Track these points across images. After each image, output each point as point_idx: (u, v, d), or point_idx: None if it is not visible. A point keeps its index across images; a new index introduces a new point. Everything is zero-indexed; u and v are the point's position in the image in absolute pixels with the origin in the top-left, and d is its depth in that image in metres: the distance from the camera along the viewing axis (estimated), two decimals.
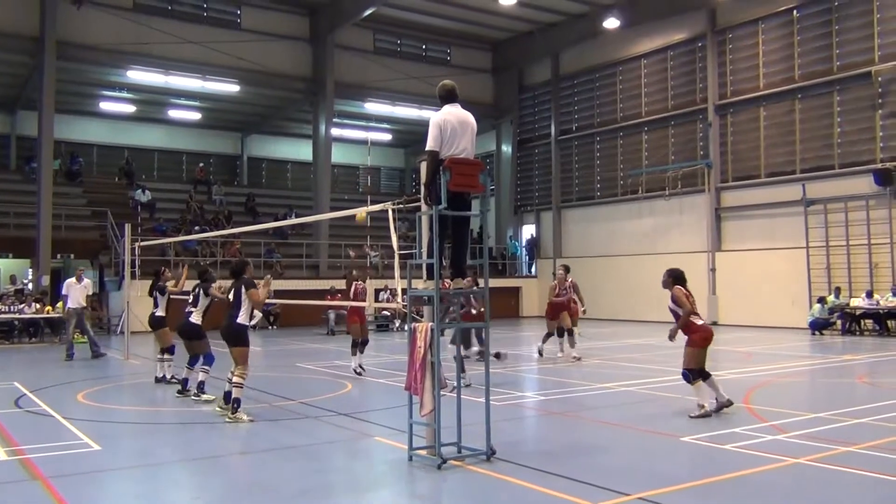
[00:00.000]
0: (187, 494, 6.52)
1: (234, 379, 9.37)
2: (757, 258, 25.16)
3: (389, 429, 8.67)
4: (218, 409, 9.81)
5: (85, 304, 16.86)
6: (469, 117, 7.52)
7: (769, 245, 24.92)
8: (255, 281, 9.75)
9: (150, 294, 13.03)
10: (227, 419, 9.22)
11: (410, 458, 7.18)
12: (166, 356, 12.69)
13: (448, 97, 7.56)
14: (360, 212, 10.96)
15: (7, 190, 27.15)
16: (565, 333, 15.55)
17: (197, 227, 27.28)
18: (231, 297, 9.62)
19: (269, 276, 10.81)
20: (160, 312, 12.83)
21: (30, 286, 24.23)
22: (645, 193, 29.20)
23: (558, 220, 32.84)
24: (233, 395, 9.34)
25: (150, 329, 13.08)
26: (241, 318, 9.51)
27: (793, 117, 24.83)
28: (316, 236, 29.47)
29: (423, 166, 7.32)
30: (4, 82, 27.93)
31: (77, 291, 16.61)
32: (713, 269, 26.50)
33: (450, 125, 7.30)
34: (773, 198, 24.92)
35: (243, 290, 9.51)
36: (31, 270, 25.53)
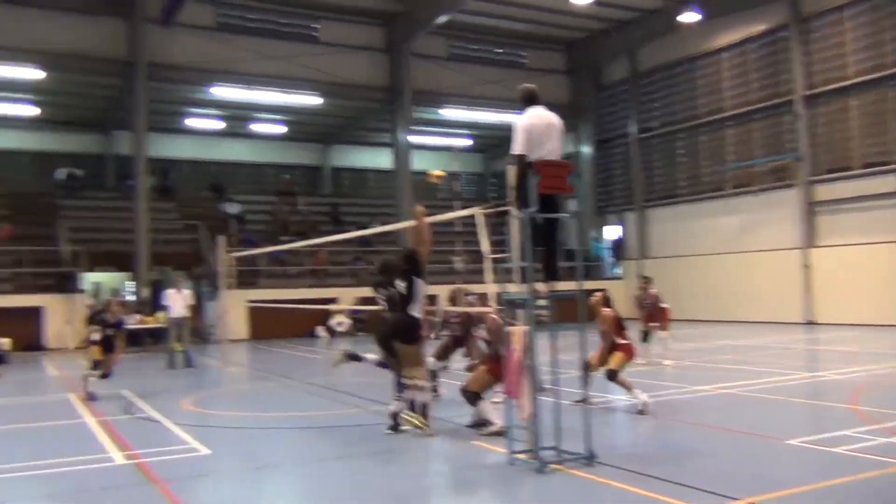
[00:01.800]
0: (293, 497, 6.72)
1: (419, 382, 8.75)
2: (855, 253, 24.13)
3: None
4: (407, 417, 8.83)
5: (186, 315, 17.46)
6: (555, 118, 7.52)
7: (868, 239, 23.86)
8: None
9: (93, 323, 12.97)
10: (419, 425, 8.64)
11: (511, 462, 7.21)
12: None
13: (530, 100, 7.57)
14: (435, 171, 10.55)
15: (106, 207, 28.52)
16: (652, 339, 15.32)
17: (284, 238, 28.00)
18: (404, 289, 8.90)
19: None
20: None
21: (130, 298, 25.31)
22: (732, 190, 28.46)
23: (642, 220, 32.33)
24: (419, 400, 8.75)
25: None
26: (416, 312, 8.84)
27: (886, 105, 23.78)
28: (399, 243, 29.80)
29: (511, 170, 7.35)
30: (99, 105, 29.32)
31: (178, 301, 17.27)
32: (807, 266, 25.58)
33: (536, 128, 7.32)
34: (870, 190, 23.89)
35: (415, 280, 8.86)
36: (130, 283, 26.67)
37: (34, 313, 22.84)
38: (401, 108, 29.67)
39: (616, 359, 10.10)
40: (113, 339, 12.74)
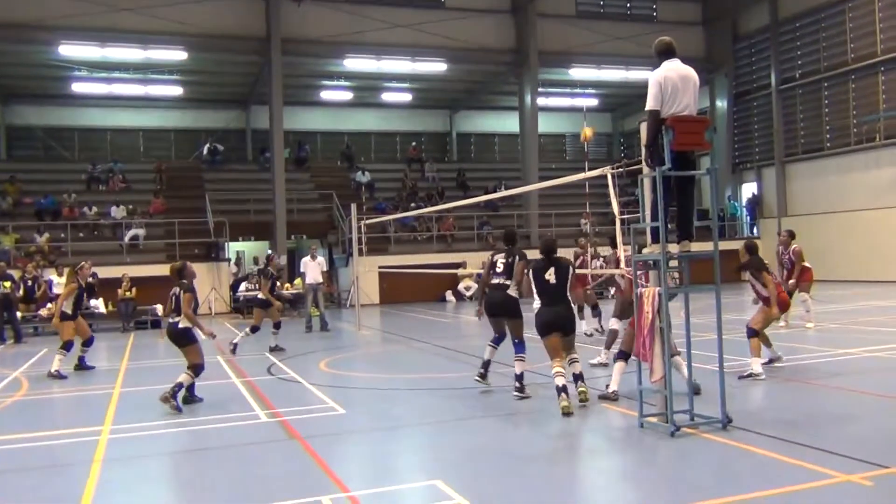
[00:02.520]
0: (424, 455, 6.88)
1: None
2: None
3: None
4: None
5: (321, 280, 18.14)
6: (691, 72, 7.19)
7: None
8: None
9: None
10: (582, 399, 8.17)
11: (641, 426, 7.08)
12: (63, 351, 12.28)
13: (666, 53, 7.26)
14: (587, 130, 10.36)
15: (246, 179, 29.95)
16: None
17: (413, 204, 28.49)
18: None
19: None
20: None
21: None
22: (884, 141, 26.41)
23: (782, 176, 30.61)
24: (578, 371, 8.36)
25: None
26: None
27: None
28: (526, 207, 29.69)
29: (644, 126, 7.11)
30: (238, 81, 30.65)
31: (313, 268, 17.95)
32: None
33: (671, 82, 7.02)
34: None
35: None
36: (270, 252, 27.95)
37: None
38: (527, 71, 29.30)
39: (764, 314, 10.02)
40: (275, 292, 14.20)
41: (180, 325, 9.12)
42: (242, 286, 23.02)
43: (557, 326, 8.20)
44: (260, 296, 14.15)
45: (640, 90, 7.19)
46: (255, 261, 25.79)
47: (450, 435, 7.47)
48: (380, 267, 23.70)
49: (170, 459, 7.08)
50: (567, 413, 7.71)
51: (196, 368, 9.04)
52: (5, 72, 27.91)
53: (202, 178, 29.95)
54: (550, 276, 8.28)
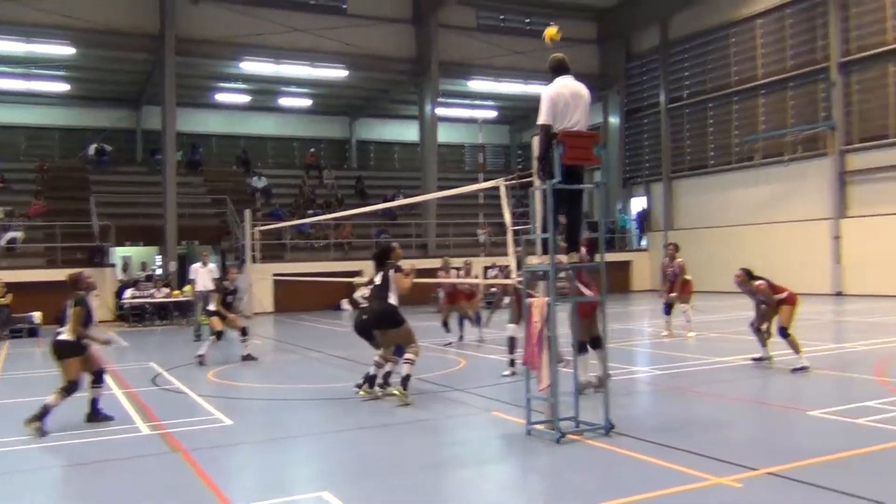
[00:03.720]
0: (316, 466, 6.80)
1: (409, 356, 9.12)
2: (887, 224, 23.68)
3: (506, 404, 8.74)
4: (363, 393, 9.38)
5: (211, 288, 17.65)
6: (582, 89, 7.42)
7: None
8: (402, 267, 9.53)
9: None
10: (400, 399, 8.90)
11: (529, 433, 7.23)
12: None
13: (559, 69, 7.47)
14: (551, 30, 10.08)
15: (135, 182, 28.83)
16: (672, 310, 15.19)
17: (310, 211, 28.15)
18: (379, 280, 9.37)
19: (413, 265, 10.26)
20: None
21: (158, 272, 25.68)
22: (762, 160, 28.01)
23: (669, 191, 31.96)
24: (405, 373, 9.03)
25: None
26: (393, 300, 9.25)
27: None
28: (424, 216, 29.84)
29: (536, 140, 7.28)
30: (129, 80, 29.53)
31: (203, 275, 17.45)
32: (837, 237, 25.17)
33: (563, 98, 7.22)
34: None
35: (391, 273, 9.31)
36: (159, 257, 27.02)
37: (65, 287, 23.19)
38: (427, 80, 29.50)
39: (786, 314, 10.58)
40: (231, 303, 13.59)
41: (61, 338, 8.60)
42: (128, 293, 22.12)
43: (372, 321, 9.29)
44: (211, 307, 13.51)
45: (537, 104, 7.36)
46: (143, 266, 24.89)
47: (339, 445, 7.41)
48: (274, 274, 23.28)
49: (45, 475, 6.72)
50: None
51: (70, 387, 8.31)
52: None
53: (88, 180, 28.60)
54: (377, 278, 9.29)
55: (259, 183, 30.52)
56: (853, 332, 15.68)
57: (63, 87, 29.18)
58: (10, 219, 24.84)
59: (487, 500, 5.74)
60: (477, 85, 31.90)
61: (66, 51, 25.04)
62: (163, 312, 22.43)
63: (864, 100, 24.95)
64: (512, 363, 10.85)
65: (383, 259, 9.55)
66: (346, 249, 28.01)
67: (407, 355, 9.12)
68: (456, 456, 6.88)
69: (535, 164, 7.36)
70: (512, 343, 10.86)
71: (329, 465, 6.74)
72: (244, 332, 13.67)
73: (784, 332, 10.54)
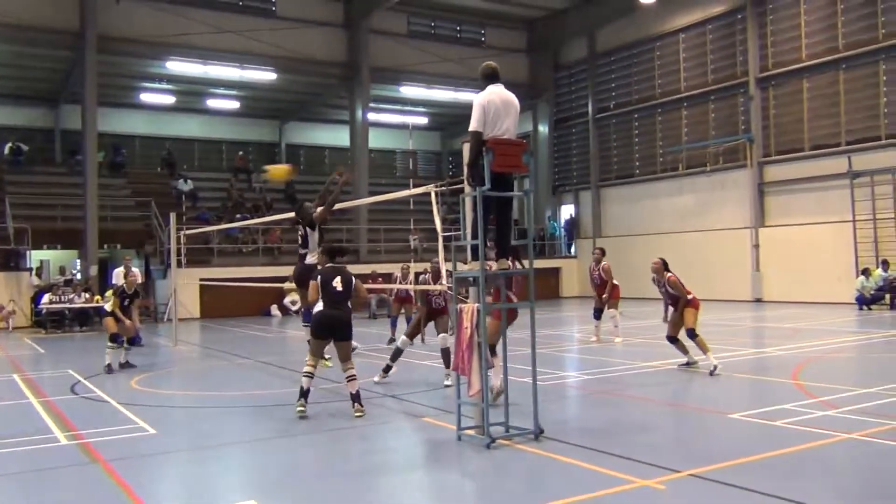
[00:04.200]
0: (243, 475, 6.67)
1: (353, 371, 8.71)
2: (802, 233, 24.71)
3: (438, 410, 8.76)
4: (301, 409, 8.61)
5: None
6: (512, 98, 7.51)
7: (815, 219, 24.43)
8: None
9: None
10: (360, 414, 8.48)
11: (459, 438, 7.25)
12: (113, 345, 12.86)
13: (490, 77, 7.55)
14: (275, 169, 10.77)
15: (54, 183, 27.80)
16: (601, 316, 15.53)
17: (239, 215, 27.64)
18: (340, 286, 8.74)
19: (374, 270, 10.07)
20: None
21: (78, 276, 24.81)
22: (685, 170, 28.85)
23: (597, 199, 32.61)
24: (356, 389, 8.64)
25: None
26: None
27: (837, 88, 24.25)
28: (355, 221, 29.66)
29: (466, 147, 7.33)
30: (47, 77, 28.48)
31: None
32: (756, 246, 26.12)
33: (493, 106, 7.30)
34: (818, 171, 24.43)
35: (355, 280, 8.94)
36: (79, 261, 26.11)
37: None
38: (359, 85, 29.38)
39: (690, 317, 11.11)
40: (129, 306, 13.21)
41: None
42: (45, 298, 21.30)
43: (333, 330, 8.76)
44: (107, 307, 13.32)
45: (468, 110, 7.43)
46: (62, 271, 24.01)
47: (267, 453, 7.28)
48: (201, 279, 22.76)
49: None
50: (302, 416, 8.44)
51: None
52: None
53: (2, 180, 27.43)
54: (337, 283, 8.73)
55: (185, 186, 29.82)
56: (770, 337, 16.27)
57: None
58: None
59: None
60: (408, 91, 31.94)
61: None
62: (82, 318, 21.70)
63: (780, 114, 25.97)
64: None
65: (334, 257, 9.09)
66: (276, 254, 27.60)
67: (352, 371, 8.68)
68: (386, 462, 6.85)
69: (465, 170, 7.42)
70: (447, 353, 10.66)
71: (256, 474, 6.62)
72: (132, 341, 13.63)
73: (692, 334, 11.11)
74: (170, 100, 31.63)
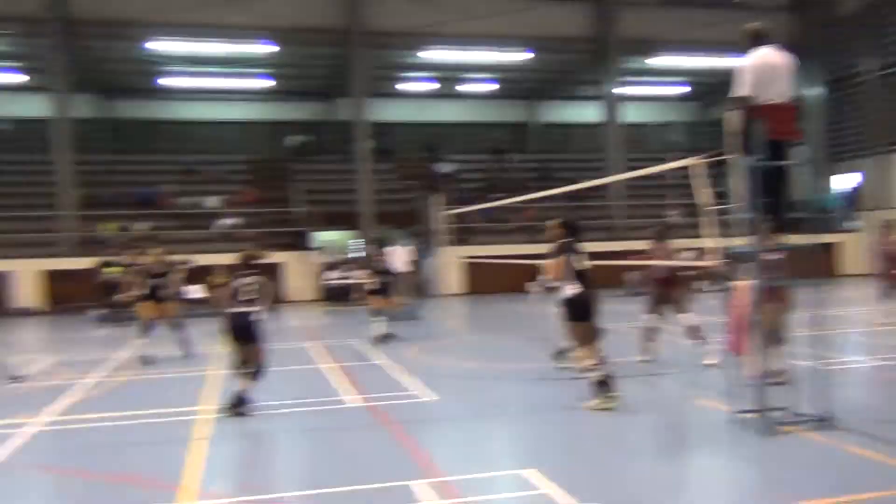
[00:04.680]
0: (520, 443, 6.95)
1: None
2: None
3: (710, 390, 8.47)
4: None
5: (405, 270, 18.43)
6: (785, 59, 7.02)
7: None
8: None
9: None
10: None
11: (735, 421, 6.98)
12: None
13: (757, 39, 7.11)
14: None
15: (332, 170, 30.53)
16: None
17: (496, 195, 28.47)
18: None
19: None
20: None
21: (358, 255, 27.11)
22: None
23: (884, 165, 29.26)
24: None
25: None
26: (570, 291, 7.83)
27: None
28: (610, 198, 29.33)
29: (732, 115, 6.97)
30: (323, 73, 31.20)
31: (398, 257, 18.31)
32: None
33: (763, 69, 6.89)
34: None
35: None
36: (357, 241, 28.51)
37: (274, 269, 25.10)
38: (609, 59, 28.88)
39: None
40: (388, 285, 14.29)
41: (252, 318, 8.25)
42: (330, 274, 23.61)
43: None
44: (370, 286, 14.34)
45: (727, 78, 7.06)
46: (343, 250, 26.42)
47: (544, 424, 7.50)
48: (463, 257, 23.82)
49: (265, 439, 7.36)
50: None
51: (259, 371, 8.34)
52: (108, 67, 29.16)
53: (290, 169, 30.71)
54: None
55: (446, 168, 31.33)
56: None
57: (267, 84, 31.37)
58: (224, 206, 27.23)
59: (691, 488, 5.65)
60: (661, 61, 30.75)
61: (267, 49, 26.91)
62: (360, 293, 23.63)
63: None
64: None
65: (575, 232, 8.27)
66: (532, 232, 28.12)
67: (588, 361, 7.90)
68: (659, 441, 6.80)
69: (730, 140, 7.05)
70: (695, 331, 10.41)
71: (535, 443, 6.86)
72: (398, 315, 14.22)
73: None
74: (429, 87, 33.25)
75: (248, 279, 8.28)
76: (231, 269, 8.68)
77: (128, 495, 5.75)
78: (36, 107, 29.38)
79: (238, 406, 8.03)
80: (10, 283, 23.53)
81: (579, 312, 7.85)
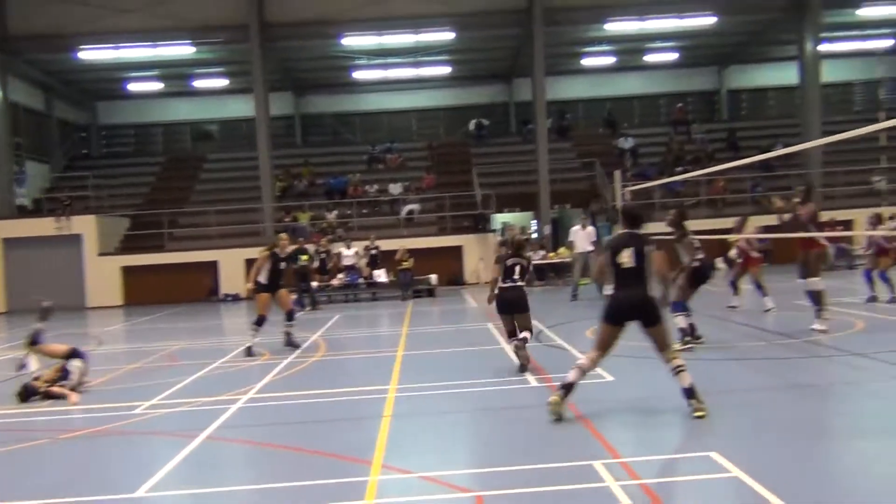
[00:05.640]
0: (703, 425, 6.67)
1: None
2: None
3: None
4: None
5: (591, 249, 18.23)
6: None
7: None
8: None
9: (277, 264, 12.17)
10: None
11: None
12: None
13: None
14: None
15: (510, 152, 30.72)
16: None
17: (679, 169, 27.38)
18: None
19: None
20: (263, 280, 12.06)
21: (535, 235, 27.14)
22: None
23: None
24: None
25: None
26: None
27: None
28: (805, 165, 27.29)
29: None
30: (500, 56, 31.36)
31: (582, 238, 18.12)
32: None
33: None
34: None
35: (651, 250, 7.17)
36: (534, 222, 28.53)
37: (455, 252, 25.71)
38: (808, 14, 26.72)
39: None
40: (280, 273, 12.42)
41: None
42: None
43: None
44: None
45: None
46: (523, 231, 26.49)
47: (727, 406, 7.14)
48: (645, 234, 23.09)
49: (449, 417, 7.57)
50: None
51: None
52: (299, 66, 31.09)
53: (469, 153, 31.22)
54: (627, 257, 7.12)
55: (626, 143, 30.52)
56: None
57: (445, 71, 32.00)
58: (407, 193, 28.19)
59: (891, 476, 5.15)
60: (870, 12, 27.99)
61: (447, 36, 27.41)
62: (540, 273, 23.66)
63: None
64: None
65: (635, 222, 7.58)
66: (720, 206, 26.80)
67: (678, 362, 6.94)
68: (855, 425, 6.28)
69: None
70: (818, 296, 10.71)
71: (716, 426, 6.57)
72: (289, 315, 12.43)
73: None
74: (609, 60, 32.50)
75: (515, 259, 9.58)
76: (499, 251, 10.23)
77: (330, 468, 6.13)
78: (240, 107, 31.99)
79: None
80: (219, 272, 25.77)
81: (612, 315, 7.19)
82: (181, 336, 15.63)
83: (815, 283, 10.71)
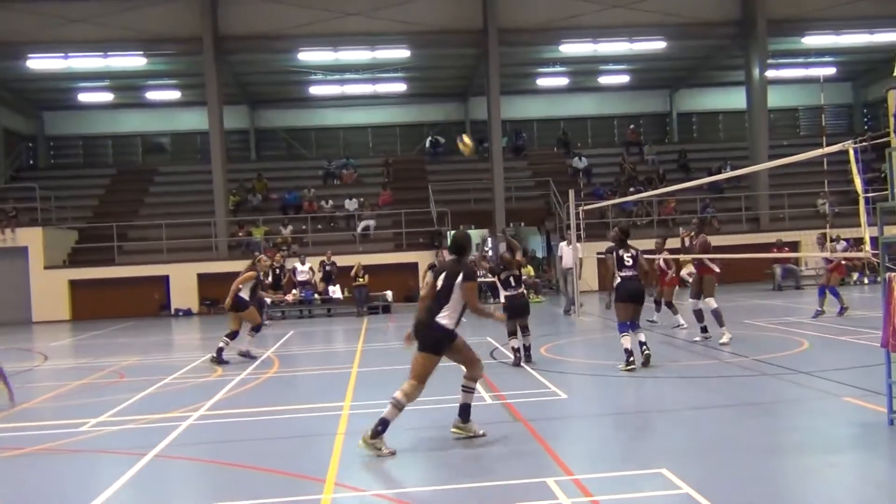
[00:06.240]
0: (652, 443, 6.80)
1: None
2: None
3: (860, 389, 7.96)
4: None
5: (572, 266, 18.41)
6: None
7: None
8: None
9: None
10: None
11: (892, 422, 6.52)
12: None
13: None
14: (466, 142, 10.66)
15: (465, 169, 30.87)
16: None
17: (632, 189, 27.88)
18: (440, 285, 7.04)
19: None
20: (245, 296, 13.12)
21: (489, 253, 27.30)
22: None
23: None
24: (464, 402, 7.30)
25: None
26: (443, 320, 7.07)
27: None
28: (753, 188, 28.01)
29: (893, 95, 6.50)
30: (456, 74, 31.60)
31: (568, 253, 18.37)
32: None
33: None
34: None
35: (459, 280, 6.89)
36: (489, 239, 28.72)
37: (411, 268, 25.70)
38: (754, 42, 27.49)
39: None
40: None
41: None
42: None
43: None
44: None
45: (886, 54, 6.56)
46: (478, 247, 26.66)
47: (677, 423, 7.31)
48: (597, 253, 23.42)
49: (404, 434, 7.54)
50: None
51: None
52: (254, 80, 30.87)
53: (425, 170, 31.32)
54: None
55: (580, 163, 30.94)
56: None
57: (401, 88, 32.10)
58: (362, 208, 28.14)
59: (835, 491, 5.31)
60: (813, 40, 28.95)
61: (403, 54, 27.52)
62: (494, 291, 23.75)
63: None
64: (704, 330, 12.54)
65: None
66: (671, 225, 27.31)
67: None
68: (801, 442, 6.44)
69: (891, 121, 6.57)
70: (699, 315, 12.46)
71: (665, 443, 6.70)
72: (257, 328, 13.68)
73: None
74: (563, 81, 32.94)
75: (508, 272, 11.37)
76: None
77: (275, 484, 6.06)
78: (194, 120, 31.59)
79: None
80: (170, 286, 25.32)
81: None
82: (131, 352, 15.33)
83: (711, 302, 12.22)
